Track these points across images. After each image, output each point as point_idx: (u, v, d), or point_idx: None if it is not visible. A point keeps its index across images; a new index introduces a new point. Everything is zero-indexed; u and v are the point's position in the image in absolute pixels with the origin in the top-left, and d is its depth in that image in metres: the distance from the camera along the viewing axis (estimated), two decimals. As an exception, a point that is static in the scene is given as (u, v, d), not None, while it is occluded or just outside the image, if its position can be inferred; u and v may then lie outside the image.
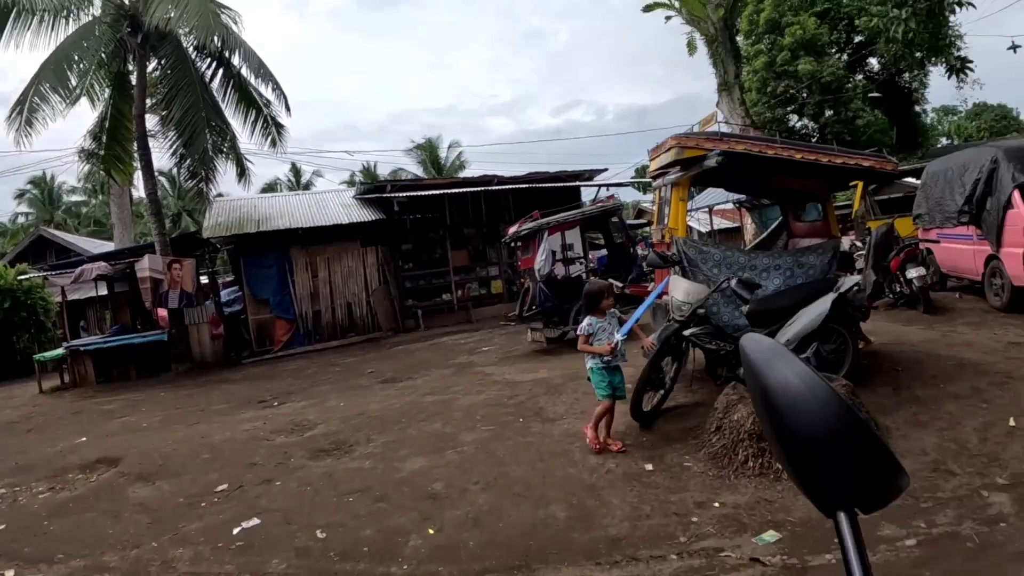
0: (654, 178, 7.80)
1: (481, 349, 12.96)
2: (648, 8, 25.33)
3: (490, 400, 8.01)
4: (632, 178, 25.75)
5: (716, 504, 4.47)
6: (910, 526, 3.90)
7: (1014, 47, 25.24)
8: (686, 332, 5.97)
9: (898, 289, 10.62)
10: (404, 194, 18.60)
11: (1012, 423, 5.22)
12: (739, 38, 26.75)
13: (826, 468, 0.66)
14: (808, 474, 0.69)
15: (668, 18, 25.16)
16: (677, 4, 24.44)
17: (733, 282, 5.97)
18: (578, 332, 5.70)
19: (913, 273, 10.08)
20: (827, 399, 0.67)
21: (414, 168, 40.97)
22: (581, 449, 5.70)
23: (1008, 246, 9.02)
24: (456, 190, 19.06)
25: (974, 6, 10.46)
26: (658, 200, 7.99)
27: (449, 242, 19.40)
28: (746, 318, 6.21)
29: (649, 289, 8.16)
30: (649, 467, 5.16)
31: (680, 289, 6.14)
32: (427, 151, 41.15)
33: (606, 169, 21.09)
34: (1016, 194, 8.82)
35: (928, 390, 6.15)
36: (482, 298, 19.71)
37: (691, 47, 25.77)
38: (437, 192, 18.86)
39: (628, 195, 39.06)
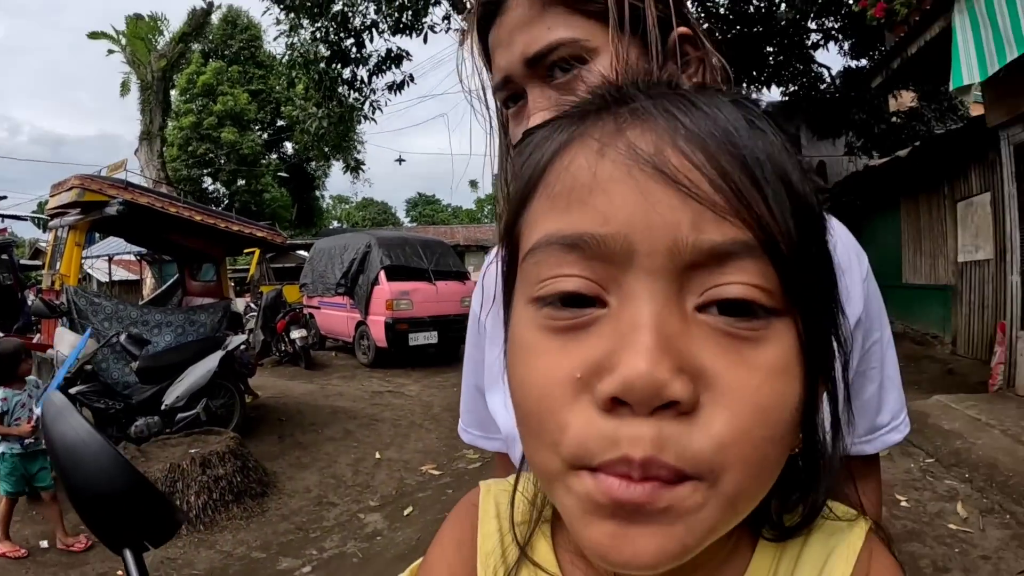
0: (52, 216, 7.08)
1: None
2: (94, 35, 22.87)
3: None
4: (34, 212, 22.38)
5: (119, 573, 4.16)
6: (304, 555, 4.30)
7: (400, 160, 31.86)
8: (72, 390, 5.47)
9: (283, 348, 11.50)
10: None
11: (378, 456, 6.25)
12: (174, 93, 26.28)
13: (108, 511, 0.71)
14: (95, 518, 0.72)
15: (111, 52, 23.12)
16: (124, 41, 22.67)
17: (123, 337, 5.80)
18: None
19: (296, 334, 11.15)
20: (100, 451, 0.71)
21: None
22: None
23: (374, 314, 11.19)
24: None
25: (376, 121, 12.71)
26: (54, 242, 7.19)
27: None
28: (136, 374, 6.02)
29: (35, 341, 7.18)
30: (44, 544, 4.54)
31: (66, 343, 5.67)
32: None
33: (5, 197, 17.81)
34: (382, 274, 11.10)
35: (309, 435, 6.90)
36: None
37: (125, 88, 24.07)
38: None
39: (26, 231, 33.55)
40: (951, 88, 5.69)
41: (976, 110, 8.61)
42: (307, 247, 17.09)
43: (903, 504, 4.33)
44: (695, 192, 0.36)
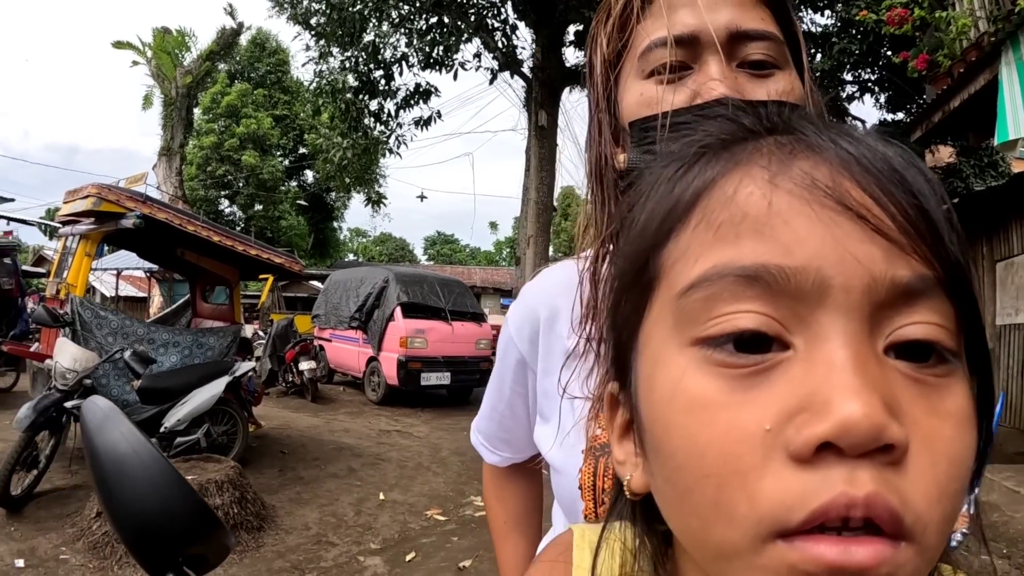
0: (64, 224, 7.00)
1: None
2: (119, 45, 22.85)
3: None
4: (41, 218, 22.49)
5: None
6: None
7: (422, 197, 32.04)
8: (68, 404, 5.30)
9: (291, 378, 11.31)
10: None
11: (382, 497, 6.07)
12: (197, 111, 26.41)
13: (154, 530, 0.65)
14: (139, 538, 0.66)
15: (135, 63, 23.21)
16: (149, 54, 22.81)
17: (127, 354, 5.61)
18: None
19: (305, 365, 10.96)
20: (151, 462, 0.66)
21: None
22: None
23: (386, 351, 11.03)
24: None
25: (400, 156, 12.70)
26: (62, 249, 7.12)
27: None
28: (137, 393, 5.88)
29: (33, 350, 7.03)
30: (20, 563, 4.33)
31: (67, 354, 5.49)
32: None
33: (12, 200, 17.90)
34: (398, 310, 10.98)
35: (311, 471, 6.71)
36: None
37: (147, 101, 23.94)
38: None
39: (31, 236, 34.06)
40: (995, 143, 5.56)
41: (1019, 166, 8.45)
42: (321, 277, 17.06)
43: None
44: (882, 227, 0.34)
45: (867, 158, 0.36)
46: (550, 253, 12.53)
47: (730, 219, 0.36)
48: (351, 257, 44.93)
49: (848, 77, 10.78)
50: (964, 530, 2.82)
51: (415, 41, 10.84)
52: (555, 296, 0.88)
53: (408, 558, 4.77)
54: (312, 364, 11.14)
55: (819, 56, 9.70)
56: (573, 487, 0.80)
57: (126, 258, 17.91)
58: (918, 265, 0.34)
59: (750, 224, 0.35)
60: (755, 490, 0.33)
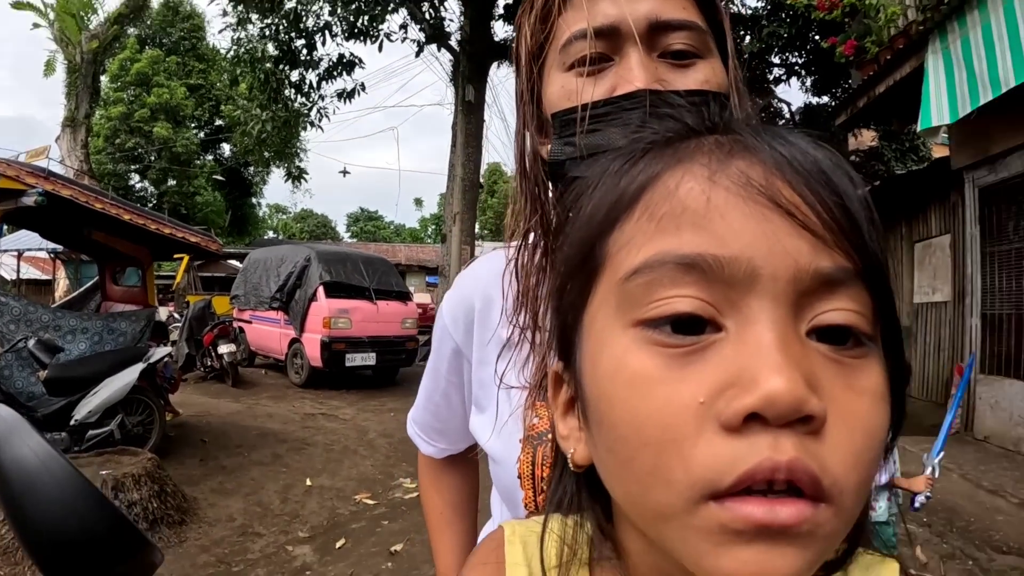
0: None
1: None
2: (18, 6, 21.20)
3: None
4: (-70, 196, 20.80)
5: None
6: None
7: (345, 172, 31.44)
8: None
9: (209, 363, 10.96)
10: None
11: (309, 483, 5.96)
12: (104, 78, 25.00)
13: (72, 552, 0.61)
14: (54, 560, 0.62)
15: (36, 26, 21.63)
16: (52, 16, 21.22)
17: (31, 342, 5.36)
18: None
19: (224, 349, 10.60)
20: (65, 478, 0.62)
21: None
22: None
23: (309, 332, 10.75)
24: None
25: (322, 129, 12.36)
26: None
27: None
28: (44, 385, 5.62)
29: None
30: None
31: None
32: None
33: None
34: (321, 289, 10.71)
35: (234, 459, 6.52)
36: None
37: (50, 67, 22.49)
38: None
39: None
40: (918, 129, 5.74)
41: (938, 151, 8.78)
42: (240, 256, 16.56)
43: (858, 550, 4.32)
44: (808, 223, 0.38)
45: (798, 160, 0.39)
46: (476, 230, 12.50)
47: (671, 211, 0.39)
48: (271, 235, 44.14)
49: (776, 60, 11.03)
50: (928, 493, 2.80)
51: (339, 9, 10.59)
52: (489, 285, 0.89)
53: (338, 545, 4.69)
54: (232, 347, 10.79)
55: (748, 38, 9.88)
56: (512, 476, 0.82)
57: (28, 238, 16.92)
58: (840, 258, 0.38)
59: (689, 217, 0.38)
60: (689, 456, 0.36)
